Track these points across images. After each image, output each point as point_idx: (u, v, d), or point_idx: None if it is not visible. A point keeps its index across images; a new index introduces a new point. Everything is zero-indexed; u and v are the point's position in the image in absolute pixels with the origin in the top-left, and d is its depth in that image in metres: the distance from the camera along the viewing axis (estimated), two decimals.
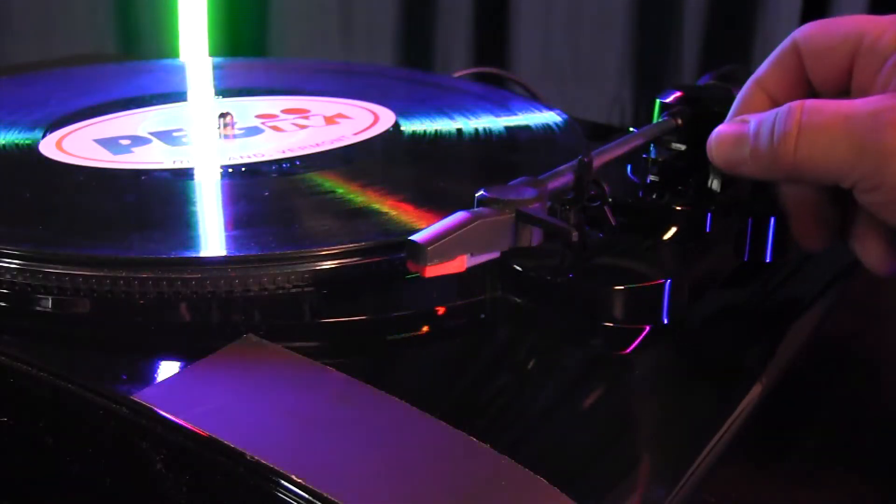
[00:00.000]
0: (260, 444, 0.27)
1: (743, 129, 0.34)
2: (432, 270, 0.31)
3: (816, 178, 0.33)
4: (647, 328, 0.35)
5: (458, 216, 0.32)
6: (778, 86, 0.36)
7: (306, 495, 0.25)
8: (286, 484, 0.26)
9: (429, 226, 0.32)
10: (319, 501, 0.25)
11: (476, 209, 0.33)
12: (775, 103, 0.36)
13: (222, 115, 0.50)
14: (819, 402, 0.38)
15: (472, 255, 0.32)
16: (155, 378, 0.31)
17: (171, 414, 0.28)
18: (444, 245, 0.31)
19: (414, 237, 0.31)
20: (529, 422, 0.31)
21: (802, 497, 0.34)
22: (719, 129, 0.35)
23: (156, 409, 0.28)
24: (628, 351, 0.35)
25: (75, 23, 1.08)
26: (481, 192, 0.33)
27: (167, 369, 0.32)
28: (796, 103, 0.32)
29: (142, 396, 0.29)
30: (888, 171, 0.30)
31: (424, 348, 0.35)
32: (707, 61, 1.19)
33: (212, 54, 1.06)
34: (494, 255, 0.33)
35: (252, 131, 0.51)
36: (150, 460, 0.28)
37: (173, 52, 1.06)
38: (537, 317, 0.36)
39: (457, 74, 0.78)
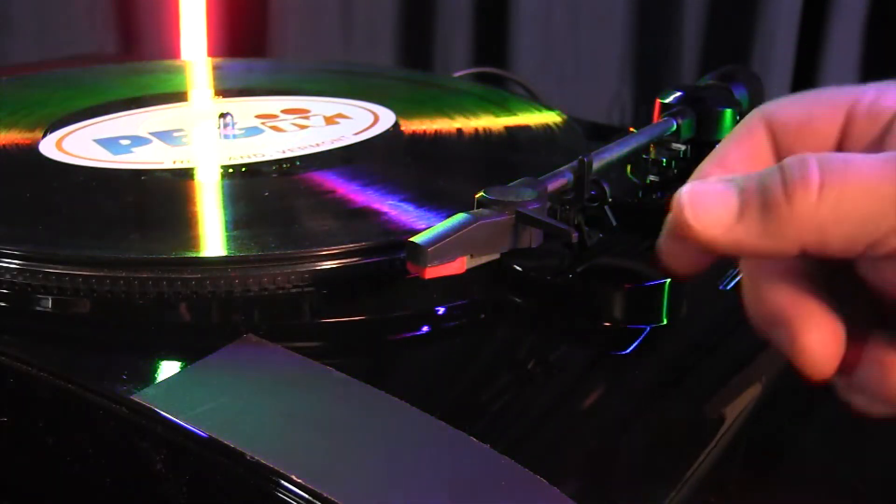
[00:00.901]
0: (260, 444, 0.27)
1: (729, 185, 0.26)
2: (432, 272, 0.31)
3: (848, 239, 0.24)
4: (647, 328, 0.35)
5: (458, 218, 0.32)
6: (742, 164, 0.29)
7: (306, 495, 0.25)
8: (286, 484, 0.26)
9: (428, 227, 0.32)
10: (319, 501, 0.25)
11: (476, 210, 0.33)
12: None
13: (222, 116, 0.50)
14: (818, 401, 0.38)
15: (471, 256, 0.32)
16: (155, 378, 0.31)
17: (171, 414, 0.28)
18: (444, 246, 0.31)
19: (414, 238, 0.31)
20: (529, 422, 0.31)
21: (802, 497, 0.34)
22: (693, 186, 0.26)
23: (156, 409, 0.28)
24: (628, 351, 0.35)
25: (75, 23, 1.08)
26: (481, 194, 0.33)
27: (167, 369, 0.32)
28: (807, 154, 0.25)
29: (142, 396, 0.29)
30: None
31: (424, 348, 0.35)
32: (707, 61, 1.19)
33: (212, 54, 1.06)
34: (494, 256, 0.33)
35: (252, 131, 0.51)
36: (150, 460, 0.28)
37: (173, 52, 1.06)
38: (537, 317, 0.36)
39: (457, 74, 0.78)
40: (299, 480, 0.26)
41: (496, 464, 0.27)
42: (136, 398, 0.29)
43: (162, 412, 0.28)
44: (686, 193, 0.25)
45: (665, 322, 0.35)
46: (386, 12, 1.19)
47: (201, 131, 0.51)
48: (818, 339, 0.25)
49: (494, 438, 0.28)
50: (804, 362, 0.25)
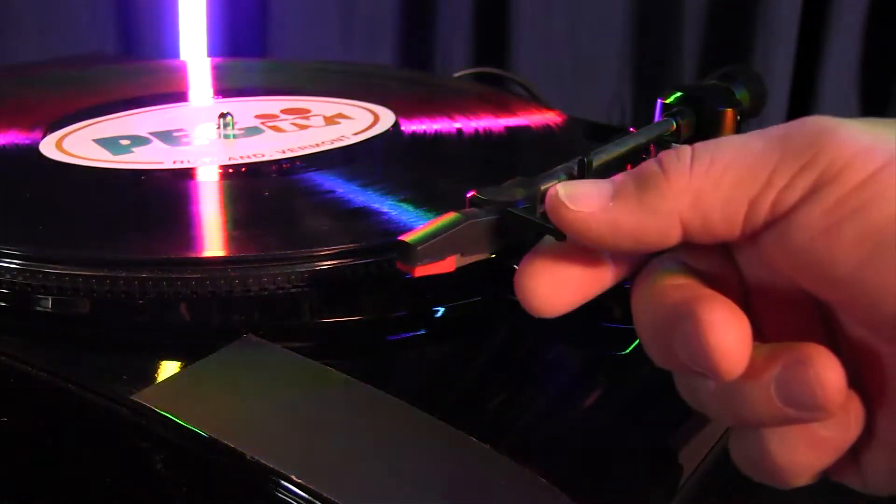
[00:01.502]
0: (260, 444, 0.27)
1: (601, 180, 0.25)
2: (422, 270, 0.31)
3: (726, 205, 0.23)
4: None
5: (447, 217, 0.32)
6: None
7: (306, 495, 0.25)
8: (286, 484, 0.26)
9: (418, 226, 0.32)
10: (319, 501, 0.25)
11: (467, 210, 0.33)
12: None
13: (222, 116, 0.50)
14: None
15: (461, 255, 0.32)
16: (155, 378, 0.31)
17: (171, 414, 0.28)
18: (434, 245, 0.31)
19: (403, 237, 0.31)
20: (529, 422, 0.31)
21: (802, 497, 0.34)
22: (567, 182, 0.26)
23: (156, 409, 0.28)
24: (628, 351, 0.35)
25: (75, 23, 1.08)
26: (473, 193, 0.34)
27: (167, 369, 0.32)
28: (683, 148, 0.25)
29: (142, 396, 0.29)
30: (826, 151, 0.23)
31: (424, 348, 0.35)
32: (707, 61, 1.19)
33: (212, 54, 1.06)
34: (485, 255, 0.33)
35: (252, 131, 0.51)
36: (150, 460, 0.28)
37: (173, 52, 1.06)
38: (537, 316, 0.36)
39: (457, 74, 0.78)
40: (299, 480, 0.26)
41: (496, 464, 0.27)
42: (136, 398, 0.29)
43: (162, 412, 0.28)
44: (561, 185, 0.25)
45: None
46: (386, 12, 1.19)
47: (201, 131, 0.51)
48: (723, 317, 0.23)
49: (494, 438, 0.28)
50: (712, 350, 0.22)
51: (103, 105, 0.55)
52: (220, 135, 0.50)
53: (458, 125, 0.52)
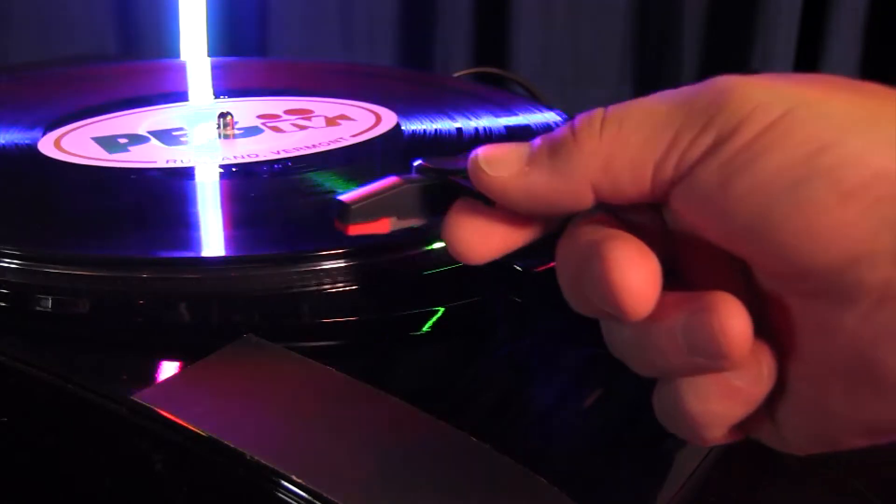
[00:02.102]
0: (260, 444, 0.27)
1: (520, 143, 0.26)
2: (355, 229, 0.31)
3: (634, 166, 0.24)
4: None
5: (387, 180, 0.33)
6: None
7: (306, 495, 0.25)
8: (286, 484, 0.26)
9: (359, 187, 0.33)
10: (319, 501, 0.25)
11: (409, 176, 0.34)
12: None
13: (222, 116, 0.50)
14: None
15: (398, 218, 0.32)
16: (155, 378, 0.31)
17: (171, 414, 0.28)
18: (368, 206, 0.31)
19: (341, 196, 0.32)
20: (529, 422, 0.31)
21: (802, 497, 0.34)
22: (488, 145, 0.27)
23: (156, 409, 0.28)
24: None
25: (75, 23, 1.08)
26: (419, 161, 0.34)
27: (167, 369, 0.32)
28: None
29: (142, 396, 0.29)
30: (726, 110, 0.23)
31: (424, 348, 0.35)
32: (707, 61, 1.19)
33: (212, 54, 1.06)
34: (421, 220, 0.34)
35: (252, 131, 0.51)
36: (150, 460, 0.28)
37: (173, 52, 1.06)
38: (537, 316, 0.36)
39: (457, 74, 0.78)
40: (299, 480, 0.26)
41: (496, 464, 0.27)
42: (136, 398, 0.29)
43: (162, 412, 0.28)
44: (481, 148, 0.26)
45: None
46: (386, 12, 1.19)
47: (201, 131, 0.51)
48: (627, 255, 0.23)
49: (494, 438, 0.28)
50: (616, 287, 0.23)
51: (103, 105, 0.55)
52: (220, 135, 0.50)
53: (457, 125, 0.52)
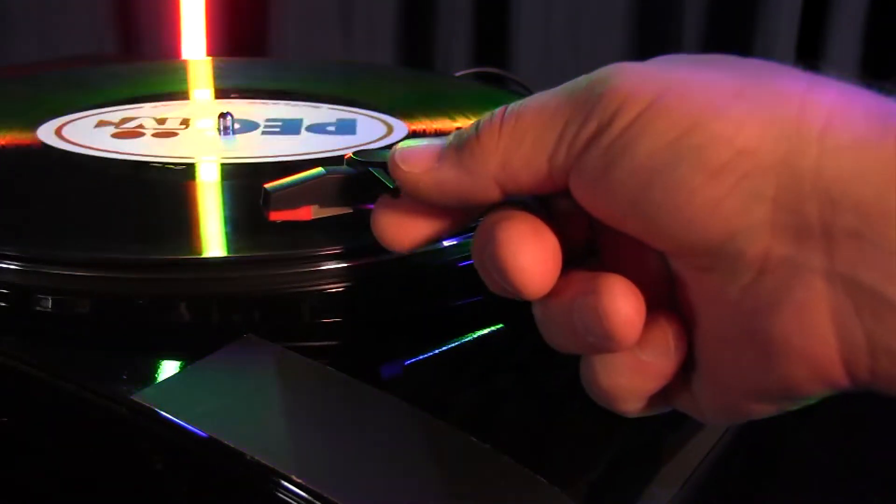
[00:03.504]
0: (260, 444, 0.27)
1: (436, 140, 0.28)
2: (276, 216, 0.33)
3: (529, 162, 0.25)
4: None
5: (311, 170, 0.34)
6: None
7: (306, 495, 0.25)
8: (286, 484, 0.26)
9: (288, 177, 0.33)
10: (319, 501, 0.25)
11: (334, 166, 0.35)
12: None
13: (222, 116, 0.50)
14: (819, 401, 0.38)
15: (320, 206, 0.33)
16: (155, 378, 0.31)
17: (171, 414, 0.28)
18: (289, 193, 0.32)
19: (266, 184, 0.33)
20: (530, 422, 0.31)
21: (802, 498, 0.34)
22: (408, 142, 0.28)
23: (156, 409, 0.28)
24: None
25: (75, 23, 1.08)
26: (349, 154, 0.35)
27: (167, 369, 0.32)
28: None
29: (142, 396, 0.29)
30: (605, 102, 0.24)
31: (425, 348, 0.35)
32: None
33: (211, 54, 1.06)
34: (344, 209, 0.34)
35: (249, 130, 0.51)
36: (150, 460, 0.28)
37: (173, 52, 1.06)
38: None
39: (457, 74, 0.78)
40: (299, 480, 0.26)
41: (496, 464, 0.27)
42: (136, 398, 0.29)
43: (162, 412, 0.28)
44: (399, 145, 0.28)
45: None
46: (386, 12, 1.19)
47: (201, 131, 0.51)
48: (516, 234, 0.25)
49: (494, 438, 0.28)
50: (509, 265, 0.25)
51: (103, 105, 0.55)
52: (219, 135, 0.50)
53: (457, 125, 0.52)
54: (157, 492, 0.28)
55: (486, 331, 0.36)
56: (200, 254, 0.36)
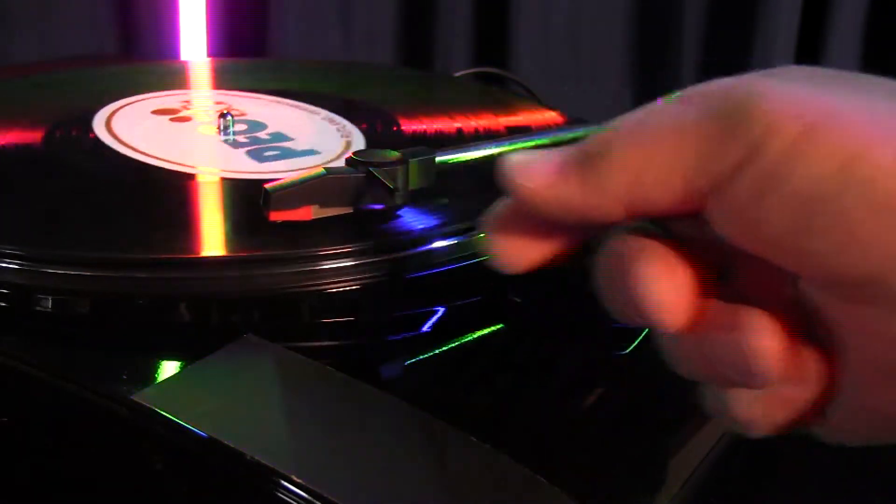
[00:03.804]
0: (260, 444, 0.27)
1: (551, 151, 0.26)
2: (277, 216, 0.33)
3: (662, 181, 0.23)
4: (647, 328, 0.35)
5: (313, 170, 0.34)
6: None
7: (306, 495, 0.25)
8: (286, 484, 0.26)
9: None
10: (319, 501, 0.25)
11: (336, 167, 0.35)
12: None
13: (222, 116, 0.50)
14: None
15: (321, 206, 0.33)
16: (155, 378, 0.31)
17: (171, 414, 0.28)
18: (290, 194, 0.33)
19: (266, 184, 0.33)
20: (530, 422, 0.31)
21: (802, 498, 0.34)
22: (518, 154, 0.26)
23: (156, 409, 0.28)
24: (628, 351, 0.35)
25: (75, 23, 1.08)
26: (350, 155, 0.35)
27: (167, 369, 0.32)
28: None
29: (142, 396, 0.29)
30: (754, 126, 0.22)
31: (424, 348, 0.35)
32: (707, 61, 1.19)
33: (211, 54, 1.06)
34: (344, 209, 0.34)
35: (249, 130, 0.51)
36: (150, 460, 0.28)
37: (173, 52, 1.06)
38: (537, 316, 0.36)
39: (457, 74, 0.78)
40: (299, 480, 0.26)
41: (496, 464, 0.27)
42: (136, 398, 0.29)
43: (162, 412, 0.28)
44: (512, 157, 0.25)
45: None
46: (386, 12, 1.19)
47: (201, 130, 0.51)
48: (656, 270, 0.24)
49: (495, 438, 0.28)
50: (644, 302, 0.23)
51: (103, 105, 0.55)
52: (219, 135, 0.50)
53: (457, 125, 0.52)
54: (157, 492, 0.28)
55: (486, 331, 0.36)
56: (200, 254, 0.36)
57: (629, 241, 0.24)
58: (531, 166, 0.25)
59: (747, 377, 0.23)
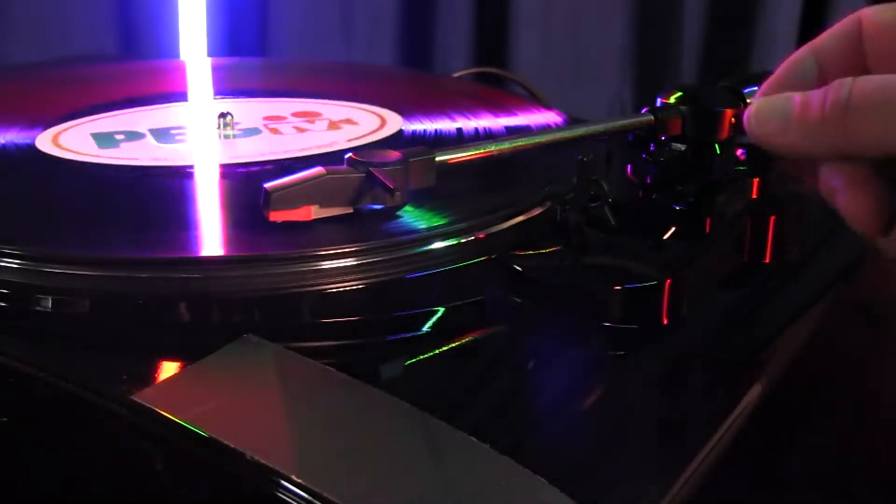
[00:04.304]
0: (260, 444, 0.27)
1: (788, 98, 0.32)
2: (276, 215, 0.33)
3: (864, 148, 0.31)
4: (647, 328, 0.35)
5: (311, 170, 0.34)
6: (832, 56, 0.36)
7: (306, 495, 0.25)
8: (286, 484, 0.26)
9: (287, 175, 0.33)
10: (319, 501, 0.25)
11: (333, 166, 0.34)
12: (823, 77, 0.35)
13: (222, 115, 0.50)
14: (818, 402, 0.38)
15: (320, 206, 0.33)
16: (155, 378, 0.31)
17: (171, 414, 0.28)
18: (289, 193, 0.33)
19: (266, 184, 0.33)
20: (529, 422, 0.31)
21: (801, 498, 0.34)
22: (760, 100, 0.33)
23: (156, 409, 0.28)
24: (628, 351, 0.35)
25: (75, 23, 1.08)
26: (349, 155, 0.35)
27: (167, 369, 0.32)
28: (848, 78, 0.31)
29: (142, 396, 0.29)
30: None
31: (424, 348, 0.35)
32: (707, 61, 1.19)
33: (211, 54, 1.06)
34: (344, 209, 0.34)
35: (251, 132, 0.51)
36: (150, 460, 0.28)
37: (173, 52, 1.06)
38: (537, 317, 0.36)
39: (457, 74, 0.78)
40: (299, 480, 0.26)
41: (496, 464, 0.27)
42: (136, 398, 0.29)
43: (162, 412, 0.28)
44: (752, 108, 0.33)
45: (665, 322, 0.35)
46: (386, 12, 1.19)
47: (201, 131, 0.51)
48: (857, 200, 0.31)
49: (494, 438, 0.28)
50: (847, 219, 0.32)
51: (103, 105, 0.55)
52: (219, 135, 0.50)
53: (457, 125, 0.52)
54: (157, 491, 0.28)
55: (486, 331, 0.36)
56: (200, 254, 0.36)
57: (839, 171, 0.32)
58: (765, 121, 0.33)
59: None
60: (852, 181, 0.32)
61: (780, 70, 0.36)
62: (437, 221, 0.37)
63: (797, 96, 0.32)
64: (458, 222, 0.37)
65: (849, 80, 0.31)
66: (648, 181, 0.43)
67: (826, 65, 0.36)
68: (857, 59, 0.35)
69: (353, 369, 0.31)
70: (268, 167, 0.45)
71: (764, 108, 0.33)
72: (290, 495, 0.25)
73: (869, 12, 0.35)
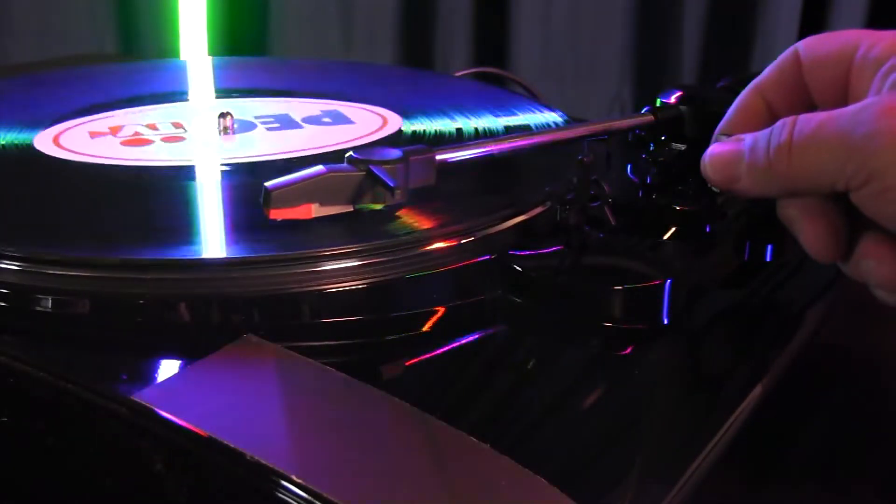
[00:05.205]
0: (260, 444, 0.27)
1: (738, 146, 0.34)
2: (276, 214, 0.33)
3: (811, 186, 0.32)
4: (647, 328, 0.35)
5: (312, 169, 0.34)
6: (777, 94, 0.36)
7: (306, 495, 0.25)
8: (286, 484, 0.26)
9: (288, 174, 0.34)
10: (319, 501, 0.25)
11: (334, 164, 0.34)
12: (772, 113, 0.36)
13: (222, 115, 0.50)
14: (819, 402, 0.38)
15: (321, 204, 0.33)
16: (155, 378, 0.31)
17: (171, 414, 0.28)
18: (290, 191, 0.33)
19: (267, 183, 0.33)
20: (529, 422, 0.31)
21: (801, 498, 0.34)
22: (713, 148, 0.35)
23: (156, 409, 0.28)
24: (628, 351, 0.35)
25: (75, 23, 1.08)
26: (350, 153, 0.35)
27: (167, 369, 0.32)
28: (790, 118, 0.32)
29: (142, 396, 0.29)
30: (874, 159, 0.30)
31: (424, 348, 0.35)
32: (707, 61, 1.20)
33: (211, 54, 1.06)
34: (345, 207, 0.34)
35: (251, 132, 0.51)
36: (150, 461, 0.28)
37: (173, 52, 1.06)
38: (537, 316, 0.36)
39: (457, 74, 0.78)
40: (299, 480, 0.26)
41: (496, 464, 0.27)
42: (136, 398, 0.29)
43: (162, 412, 0.28)
44: (706, 156, 0.35)
45: (665, 322, 0.35)
46: (386, 12, 1.19)
47: (201, 130, 0.51)
48: (813, 230, 0.34)
49: (494, 438, 0.28)
50: (805, 247, 0.34)
51: (103, 104, 0.55)
52: (220, 134, 0.50)
53: (457, 125, 0.52)
54: (157, 491, 0.28)
55: (486, 331, 0.36)
56: (200, 254, 0.36)
57: (800, 205, 0.34)
58: (720, 167, 0.35)
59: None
60: (807, 213, 0.34)
61: (731, 111, 0.37)
62: (437, 221, 0.37)
63: (746, 140, 0.34)
64: (458, 222, 0.37)
65: (790, 120, 0.32)
66: (648, 181, 0.43)
67: (773, 102, 0.37)
68: (801, 93, 0.36)
69: (353, 369, 0.31)
70: (268, 167, 0.45)
71: (716, 157, 0.35)
72: (290, 495, 0.25)
73: (804, 45, 0.36)
